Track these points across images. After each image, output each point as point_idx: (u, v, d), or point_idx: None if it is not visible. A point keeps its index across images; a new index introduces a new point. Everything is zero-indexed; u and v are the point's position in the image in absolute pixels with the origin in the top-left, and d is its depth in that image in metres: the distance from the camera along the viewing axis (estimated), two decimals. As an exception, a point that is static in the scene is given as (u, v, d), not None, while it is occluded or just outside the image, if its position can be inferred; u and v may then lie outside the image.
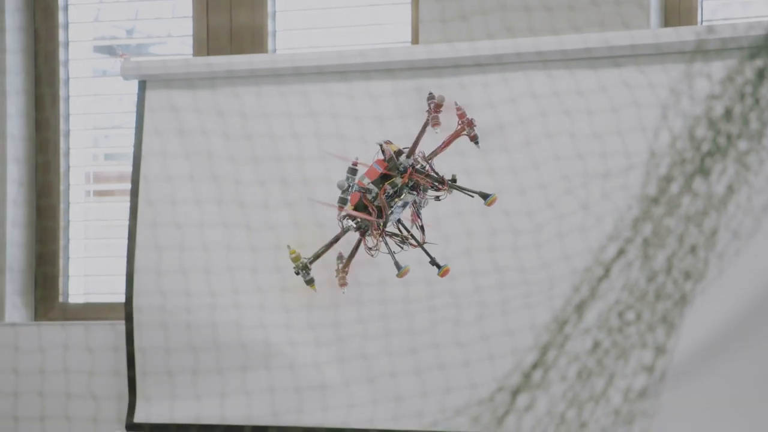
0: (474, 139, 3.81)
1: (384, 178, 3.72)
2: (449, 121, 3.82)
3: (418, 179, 3.72)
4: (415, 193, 3.76)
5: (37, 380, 4.80)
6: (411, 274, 4.15)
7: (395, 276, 3.75)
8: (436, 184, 3.73)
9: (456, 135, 3.80)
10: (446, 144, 3.79)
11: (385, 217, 3.71)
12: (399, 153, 3.73)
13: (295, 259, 3.83)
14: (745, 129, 2.27)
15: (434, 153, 3.78)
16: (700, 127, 2.27)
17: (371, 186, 3.71)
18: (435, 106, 3.80)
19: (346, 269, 3.84)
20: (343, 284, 3.85)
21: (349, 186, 3.71)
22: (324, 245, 3.85)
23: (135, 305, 4.48)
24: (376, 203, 3.71)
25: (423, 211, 3.80)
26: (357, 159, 3.78)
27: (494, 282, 4.14)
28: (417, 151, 3.76)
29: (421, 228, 3.77)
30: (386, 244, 3.74)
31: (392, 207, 3.73)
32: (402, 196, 3.75)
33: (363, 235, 3.76)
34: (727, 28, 3.84)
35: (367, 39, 4.74)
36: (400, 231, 3.76)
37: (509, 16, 4.42)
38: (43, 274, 4.97)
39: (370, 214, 3.70)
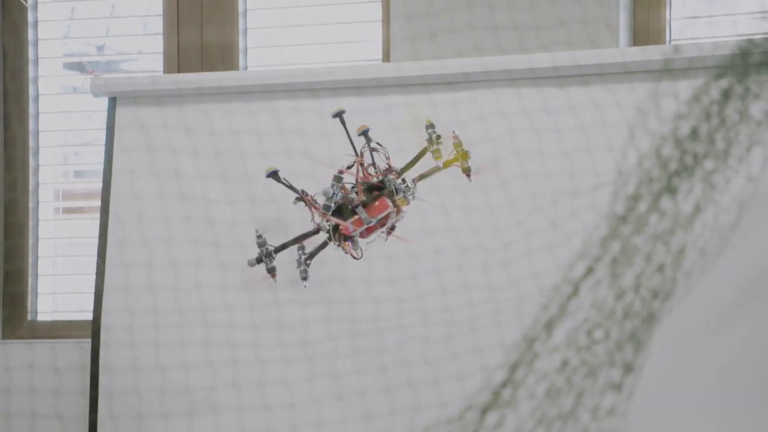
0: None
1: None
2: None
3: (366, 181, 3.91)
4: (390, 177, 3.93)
5: (2, 400, 4.76)
6: (380, 292, 4.17)
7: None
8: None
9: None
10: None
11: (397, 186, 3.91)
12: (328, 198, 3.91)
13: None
14: (711, 148, 2.28)
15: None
16: (667, 146, 2.28)
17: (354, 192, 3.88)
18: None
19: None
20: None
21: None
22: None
23: (102, 324, 4.45)
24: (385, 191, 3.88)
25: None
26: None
27: (463, 300, 4.13)
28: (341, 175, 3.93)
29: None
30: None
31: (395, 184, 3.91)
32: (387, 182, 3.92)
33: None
34: (692, 48, 3.86)
35: (338, 57, 4.74)
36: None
37: (478, 35, 4.43)
38: (11, 292, 4.94)
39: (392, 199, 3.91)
